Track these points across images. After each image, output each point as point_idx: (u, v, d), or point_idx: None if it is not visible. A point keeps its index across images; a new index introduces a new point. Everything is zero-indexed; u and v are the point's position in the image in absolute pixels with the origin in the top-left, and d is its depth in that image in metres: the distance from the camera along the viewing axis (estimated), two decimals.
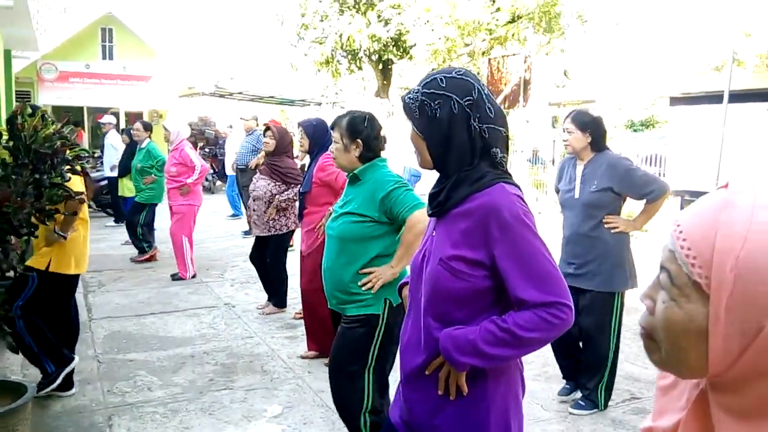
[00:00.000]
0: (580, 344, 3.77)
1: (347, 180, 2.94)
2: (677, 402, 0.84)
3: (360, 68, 15.40)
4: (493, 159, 1.70)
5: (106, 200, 10.91)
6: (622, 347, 3.83)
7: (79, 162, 3.00)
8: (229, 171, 10.87)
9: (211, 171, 15.44)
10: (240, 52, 24.56)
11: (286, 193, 5.23)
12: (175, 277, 6.77)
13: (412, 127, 1.75)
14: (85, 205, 3.67)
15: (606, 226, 3.48)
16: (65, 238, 3.43)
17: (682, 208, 8.76)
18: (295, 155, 5.80)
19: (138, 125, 7.74)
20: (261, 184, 5.28)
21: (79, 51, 17.91)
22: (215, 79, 16.79)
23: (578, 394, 3.78)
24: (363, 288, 2.71)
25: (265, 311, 5.61)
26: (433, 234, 1.75)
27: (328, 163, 4.20)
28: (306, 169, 4.58)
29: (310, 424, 3.56)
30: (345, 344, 2.81)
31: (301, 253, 4.46)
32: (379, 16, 13.50)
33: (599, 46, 17.80)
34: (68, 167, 2.94)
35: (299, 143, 4.55)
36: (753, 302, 0.68)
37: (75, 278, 3.89)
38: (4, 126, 2.89)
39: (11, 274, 3.14)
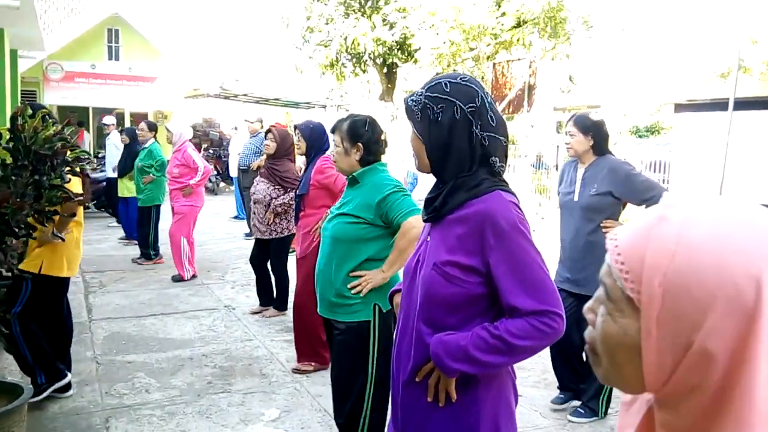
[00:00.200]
0: (584, 354, 3.74)
1: (347, 182, 2.94)
2: (634, 418, 0.84)
3: (365, 71, 15.39)
4: (491, 167, 1.70)
5: (103, 202, 10.95)
6: None
7: (79, 164, 2.99)
8: (234, 173, 10.89)
9: (215, 172, 15.46)
10: (245, 54, 24.59)
11: (282, 197, 5.22)
12: (175, 279, 6.77)
13: (412, 130, 1.76)
14: (81, 208, 3.67)
15: (603, 230, 3.46)
16: (63, 239, 3.42)
17: None
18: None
19: (143, 125, 7.78)
20: (261, 187, 5.28)
21: (85, 51, 17.97)
22: (220, 81, 16.80)
23: (573, 403, 3.76)
24: (352, 291, 2.70)
25: (265, 314, 5.60)
26: (428, 239, 1.75)
27: (327, 165, 4.20)
28: (303, 171, 4.57)
29: (307, 429, 3.55)
30: (343, 363, 2.80)
31: (296, 256, 4.45)
32: (384, 20, 13.50)
33: (605, 52, 17.77)
34: (68, 169, 2.94)
35: (296, 146, 4.55)
36: (681, 318, 0.68)
37: (67, 281, 3.89)
38: (8, 125, 2.88)
39: (8, 275, 3.13)
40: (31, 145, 2.73)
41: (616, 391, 3.76)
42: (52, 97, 17.44)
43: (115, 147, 9.99)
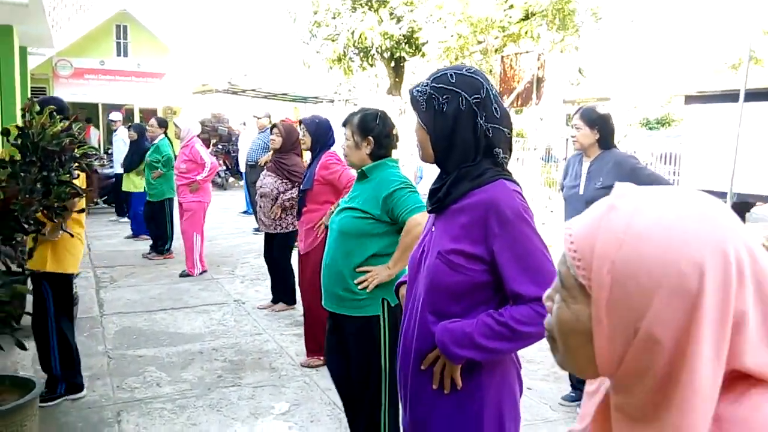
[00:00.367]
0: None
1: (356, 177, 2.93)
2: (594, 406, 0.86)
3: (372, 65, 15.34)
4: (495, 158, 1.72)
5: (112, 198, 11.02)
6: None
7: (87, 160, 3.00)
8: (243, 168, 10.92)
9: (224, 168, 15.50)
10: (253, 49, 24.62)
11: (290, 192, 5.22)
12: (182, 274, 6.80)
13: (417, 120, 1.77)
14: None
15: None
16: (72, 234, 3.43)
17: None
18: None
19: (153, 121, 7.81)
20: (268, 181, 5.29)
21: (94, 48, 18.02)
22: (229, 76, 16.83)
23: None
24: (359, 287, 2.69)
25: (274, 309, 5.62)
26: (433, 229, 1.76)
27: (332, 161, 4.19)
28: (308, 166, 4.57)
29: (317, 422, 3.56)
30: (354, 358, 2.80)
31: (299, 252, 4.44)
32: (391, 14, 13.44)
33: (614, 44, 17.66)
34: (76, 165, 2.95)
35: (301, 141, 4.54)
36: (629, 304, 0.70)
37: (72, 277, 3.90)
38: (19, 122, 2.90)
39: (18, 271, 3.15)
40: (39, 141, 2.75)
41: None
42: (61, 94, 17.49)
43: (123, 143, 10.03)
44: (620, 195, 0.75)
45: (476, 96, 1.67)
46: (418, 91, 1.74)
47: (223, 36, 28.70)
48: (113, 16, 18.16)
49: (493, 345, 1.61)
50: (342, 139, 3.01)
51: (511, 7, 12.07)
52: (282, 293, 5.68)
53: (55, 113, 2.93)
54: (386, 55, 14.59)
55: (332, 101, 17.24)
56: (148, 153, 7.70)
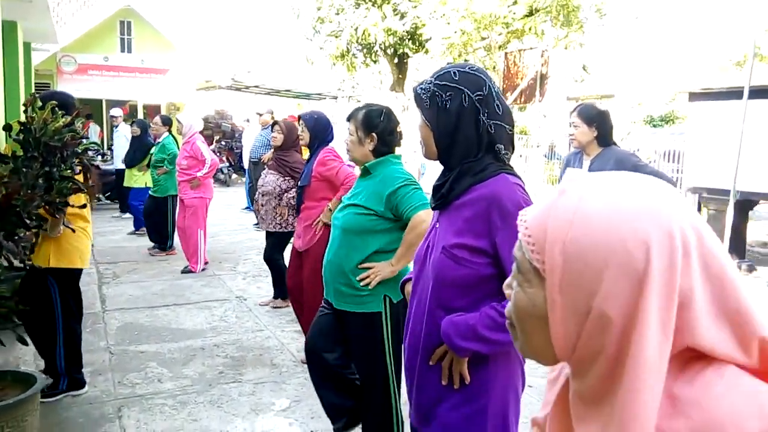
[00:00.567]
0: None
1: (360, 173, 2.92)
2: (555, 393, 0.88)
3: (376, 62, 15.31)
4: (497, 154, 1.74)
5: (114, 194, 11.05)
6: None
7: (87, 156, 3.00)
8: (247, 165, 10.92)
9: (227, 164, 15.50)
10: (256, 46, 24.63)
11: (293, 190, 5.20)
12: (185, 271, 6.80)
13: (420, 117, 1.79)
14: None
15: None
16: (73, 230, 3.43)
17: (699, 205, 8.63)
18: None
19: (157, 119, 7.83)
20: (270, 179, 5.28)
21: (98, 44, 18.02)
22: (232, 73, 16.82)
23: None
24: (361, 283, 2.69)
25: (275, 304, 5.63)
26: (437, 225, 1.79)
27: (329, 157, 4.18)
28: (306, 162, 4.55)
29: (317, 418, 3.56)
30: (358, 356, 2.80)
31: (292, 249, 4.42)
32: (394, 10, 13.40)
33: (618, 41, 17.60)
34: (78, 160, 2.95)
35: (300, 137, 4.52)
36: (580, 285, 0.72)
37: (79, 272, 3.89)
38: (23, 117, 2.90)
39: (20, 267, 3.16)
40: (41, 136, 2.75)
41: None
42: (65, 90, 17.50)
43: (124, 138, 10.05)
44: (570, 180, 0.78)
45: (479, 93, 1.69)
46: (421, 88, 1.76)
47: (226, 32, 28.71)
48: (117, 12, 18.16)
49: (497, 337, 1.64)
50: (343, 134, 3.00)
51: (515, 3, 12.03)
52: (279, 289, 5.67)
53: (57, 108, 2.93)
54: (389, 51, 14.56)
55: (335, 98, 17.24)
56: (154, 152, 7.70)
